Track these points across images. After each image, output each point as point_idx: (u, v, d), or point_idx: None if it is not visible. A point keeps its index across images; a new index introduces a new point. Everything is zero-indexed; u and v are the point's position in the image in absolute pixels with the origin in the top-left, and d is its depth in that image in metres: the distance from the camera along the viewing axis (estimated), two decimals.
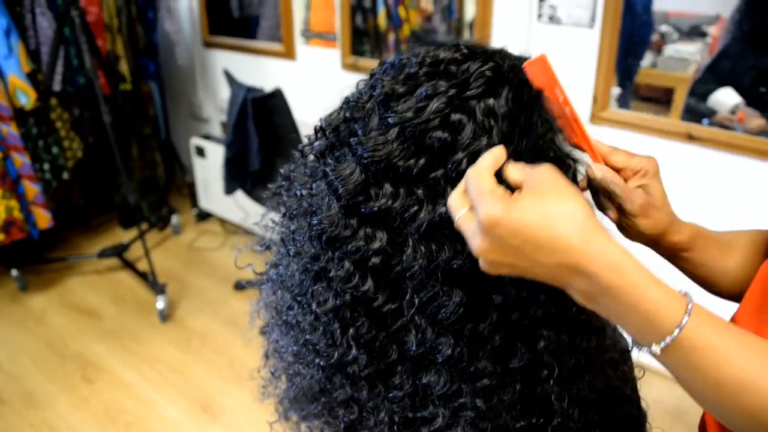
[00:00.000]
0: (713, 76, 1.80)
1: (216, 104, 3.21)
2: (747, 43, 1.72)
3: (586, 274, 0.43)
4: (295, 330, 0.62)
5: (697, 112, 1.83)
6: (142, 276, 2.68)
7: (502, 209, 0.44)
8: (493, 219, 0.44)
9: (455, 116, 0.51)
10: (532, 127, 0.53)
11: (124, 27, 2.76)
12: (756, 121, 1.73)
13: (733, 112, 1.76)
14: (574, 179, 0.57)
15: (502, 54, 0.56)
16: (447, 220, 0.51)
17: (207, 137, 3.14)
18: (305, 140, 0.63)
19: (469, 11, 2.23)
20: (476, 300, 0.52)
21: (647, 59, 1.92)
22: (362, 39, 2.54)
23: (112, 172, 2.93)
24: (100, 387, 2.13)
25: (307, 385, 0.63)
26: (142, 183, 3.13)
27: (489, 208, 0.45)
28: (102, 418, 1.99)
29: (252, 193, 2.51)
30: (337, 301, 0.55)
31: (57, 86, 2.53)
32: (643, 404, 0.66)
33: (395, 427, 0.57)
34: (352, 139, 0.55)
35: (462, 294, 0.52)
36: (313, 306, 0.58)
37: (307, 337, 0.60)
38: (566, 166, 0.55)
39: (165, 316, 2.47)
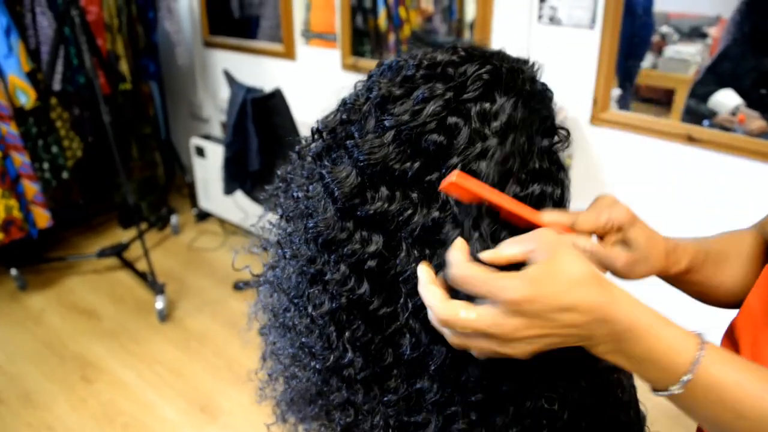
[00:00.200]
0: (714, 77, 1.80)
1: (216, 104, 3.21)
2: (748, 45, 1.72)
3: (612, 322, 0.44)
4: (292, 332, 0.62)
5: (697, 113, 1.83)
6: (142, 276, 2.67)
7: (526, 285, 0.43)
8: (521, 296, 0.43)
9: (451, 119, 0.51)
10: (533, 135, 0.53)
11: (124, 27, 2.76)
12: (756, 122, 1.73)
13: (733, 113, 1.76)
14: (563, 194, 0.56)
15: (500, 56, 0.55)
16: (441, 224, 0.51)
17: (207, 137, 3.13)
18: (303, 142, 0.63)
19: (470, 12, 2.23)
20: None
21: (648, 60, 1.92)
22: (363, 39, 2.54)
23: (111, 172, 2.93)
24: (99, 387, 2.12)
25: (303, 388, 0.63)
26: (141, 183, 3.13)
27: (511, 289, 0.43)
28: (100, 419, 1.99)
29: (251, 193, 2.51)
30: (333, 304, 0.55)
31: (57, 86, 2.53)
32: (642, 408, 0.66)
33: (390, 431, 0.57)
34: (348, 142, 0.54)
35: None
36: (309, 309, 0.57)
37: (303, 339, 0.59)
38: (559, 181, 0.55)
39: (164, 317, 2.46)
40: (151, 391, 2.10)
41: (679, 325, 0.46)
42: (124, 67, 2.80)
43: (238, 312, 2.50)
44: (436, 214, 0.51)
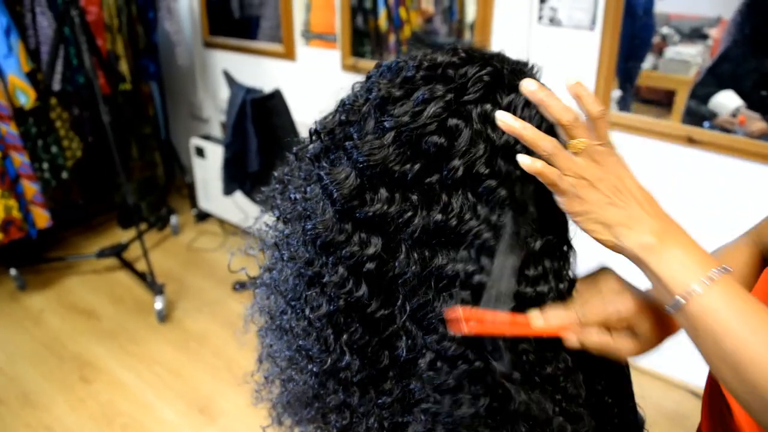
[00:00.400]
0: (714, 78, 1.80)
1: (216, 105, 3.20)
2: (748, 46, 1.72)
3: (662, 215, 0.52)
4: (289, 335, 0.62)
5: (698, 114, 1.82)
6: (141, 276, 2.67)
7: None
8: (618, 154, 0.53)
9: (452, 121, 0.51)
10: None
11: (124, 27, 2.76)
12: (757, 124, 1.72)
13: (734, 115, 1.75)
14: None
15: (500, 58, 0.55)
16: (442, 226, 0.51)
17: (207, 137, 3.13)
18: (301, 143, 0.63)
19: (470, 13, 2.23)
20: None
21: (648, 61, 1.91)
22: (363, 40, 2.54)
23: (111, 172, 2.93)
24: (98, 388, 2.12)
25: (300, 390, 0.63)
26: (141, 183, 3.13)
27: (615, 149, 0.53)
28: (99, 420, 1.99)
29: (251, 194, 2.51)
30: (331, 307, 0.55)
31: (56, 86, 2.53)
32: (641, 410, 0.65)
33: None
34: (347, 143, 0.54)
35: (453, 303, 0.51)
36: (307, 311, 0.57)
37: (300, 342, 0.59)
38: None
39: (163, 317, 2.46)
40: (150, 392, 2.10)
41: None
42: (124, 67, 2.80)
43: (238, 313, 2.50)
44: (438, 216, 0.51)
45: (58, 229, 2.87)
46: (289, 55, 2.76)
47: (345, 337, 0.55)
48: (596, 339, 0.54)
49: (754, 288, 0.61)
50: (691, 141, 1.81)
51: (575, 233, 0.56)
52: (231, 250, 0.71)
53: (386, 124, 0.52)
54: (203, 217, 3.29)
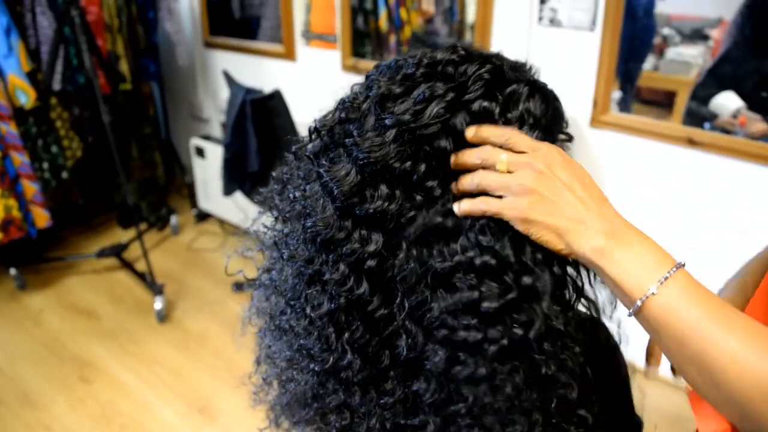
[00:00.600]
0: (715, 79, 1.79)
1: (216, 105, 3.20)
2: (749, 47, 1.71)
3: (611, 215, 0.50)
4: (289, 335, 0.61)
5: (698, 115, 1.82)
6: (141, 276, 2.67)
7: (559, 148, 0.52)
8: (554, 148, 0.52)
9: (455, 120, 0.51)
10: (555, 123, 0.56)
11: (124, 27, 2.76)
12: (758, 125, 1.72)
13: (734, 116, 1.75)
14: None
15: (498, 57, 0.55)
16: (442, 224, 0.51)
17: (207, 138, 3.13)
18: (301, 142, 0.62)
19: (471, 13, 2.23)
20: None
21: (649, 62, 1.91)
22: (363, 41, 2.54)
23: (111, 172, 2.93)
24: (97, 388, 2.12)
25: (300, 391, 0.62)
26: (141, 183, 3.13)
27: (550, 145, 0.52)
28: (98, 420, 1.98)
29: (251, 194, 2.50)
30: (332, 305, 0.55)
31: (57, 85, 2.53)
32: (640, 413, 0.65)
33: None
34: (347, 140, 0.54)
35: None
36: (308, 310, 0.57)
37: (302, 341, 0.59)
38: None
39: (163, 317, 2.46)
40: (150, 392, 2.10)
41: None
42: (124, 67, 2.80)
43: (238, 313, 2.49)
44: (438, 218, 0.51)
45: (58, 229, 2.87)
46: (289, 55, 2.76)
47: (346, 335, 0.55)
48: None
49: (757, 291, 0.61)
50: (691, 142, 1.80)
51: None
52: (227, 253, 0.71)
53: (387, 122, 0.52)
54: (203, 217, 3.29)
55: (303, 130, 0.61)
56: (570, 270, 0.54)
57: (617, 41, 1.85)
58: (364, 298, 0.53)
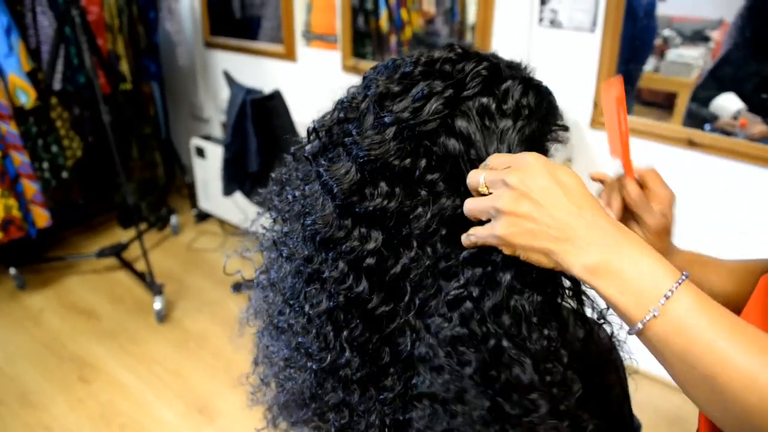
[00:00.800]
0: (716, 81, 1.79)
1: (216, 105, 3.20)
2: (749, 49, 1.71)
3: (603, 223, 0.46)
4: (287, 334, 0.61)
5: (699, 117, 1.82)
6: (141, 276, 2.67)
7: (542, 156, 0.49)
8: (534, 157, 0.48)
9: (459, 123, 0.52)
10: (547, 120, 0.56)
11: (125, 27, 2.76)
12: (758, 127, 1.72)
13: (735, 117, 1.75)
14: None
15: (494, 56, 0.56)
16: (448, 218, 0.52)
17: (207, 138, 3.13)
18: (299, 143, 0.62)
19: (472, 14, 2.23)
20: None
21: (650, 64, 1.91)
22: (364, 41, 2.54)
23: (111, 172, 2.93)
24: (96, 388, 2.12)
25: (298, 391, 0.62)
26: (141, 183, 3.13)
27: (529, 153, 0.49)
28: (97, 420, 1.98)
29: (251, 194, 2.50)
30: (331, 303, 0.55)
31: (57, 85, 2.53)
32: (638, 414, 0.65)
33: (386, 430, 0.56)
34: (346, 139, 0.54)
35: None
36: (306, 308, 0.57)
37: (300, 339, 0.59)
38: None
39: (162, 317, 2.46)
40: (149, 392, 2.10)
41: (660, 255, 0.46)
42: (124, 67, 2.80)
43: (237, 313, 2.49)
44: (446, 212, 0.52)
45: (58, 229, 2.87)
46: (289, 55, 2.76)
47: (345, 333, 0.55)
48: (634, 192, 0.69)
49: (753, 295, 0.60)
50: (691, 144, 1.80)
51: None
52: (227, 252, 0.71)
53: (386, 120, 0.52)
54: (203, 217, 3.29)
55: (303, 131, 0.61)
56: (566, 282, 0.53)
57: (618, 42, 1.85)
58: (364, 296, 0.53)
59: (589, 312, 0.55)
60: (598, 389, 0.58)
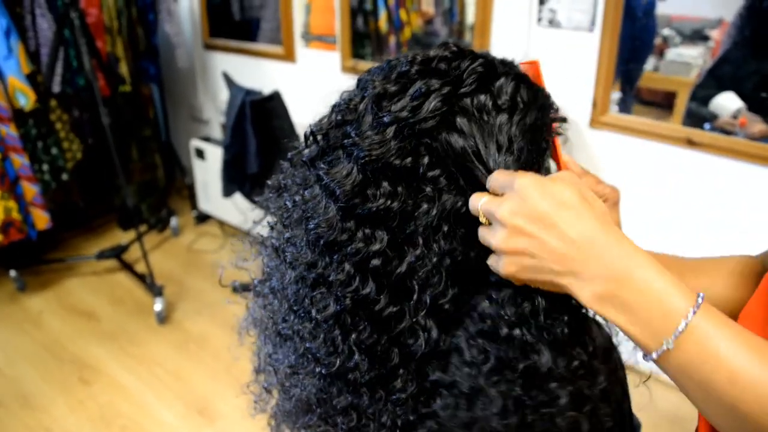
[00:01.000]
0: (715, 80, 1.79)
1: (216, 106, 3.21)
2: (749, 48, 1.71)
3: (606, 252, 0.43)
4: (292, 341, 0.61)
5: (698, 116, 1.82)
6: (141, 278, 2.67)
7: (536, 176, 0.47)
8: (527, 180, 0.46)
9: (459, 120, 0.52)
10: (542, 118, 0.56)
11: (124, 29, 2.76)
12: (758, 126, 1.72)
13: (734, 116, 1.75)
14: None
15: (488, 54, 0.56)
16: (453, 214, 0.52)
17: (207, 139, 3.13)
18: (297, 148, 0.62)
19: (471, 14, 2.23)
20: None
21: (649, 63, 1.91)
22: (363, 42, 2.54)
23: (111, 174, 2.93)
24: (97, 389, 2.12)
25: (304, 397, 0.62)
26: (141, 185, 3.13)
27: (523, 176, 0.47)
28: (98, 421, 1.98)
29: (250, 195, 2.50)
30: (338, 306, 0.54)
31: (56, 87, 2.53)
32: (638, 414, 0.65)
33: (397, 431, 0.56)
34: (346, 141, 0.54)
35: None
36: (313, 312, 0.57)
37: (307, 345, 0.58)
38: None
39: (163, 319, 2.46)
40: (150, 394, 2.10)
41: (676, 278, 0.43)
42: (123, 69, 2.80)
43: (237, 315, 2.49)
44: (451, 207, 0.52)
45: (58, 231, 2.87)
46: (289, 57, 2.76)
47: (353, 336, 0.54)
48: (608, 190, 0.66)
49: (757, 291, 0.60)
50: (691, 143, 1.80)
51: None
52: (222, 263, 0.71)
53: (385, 119, 0.52)
54: (203, 218, 3.29)
55: (302, 132, 0.61)
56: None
57: (616, 42, 1.85)
58: (371, 298, 0.53)
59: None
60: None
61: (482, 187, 0.52)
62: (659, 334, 0.42)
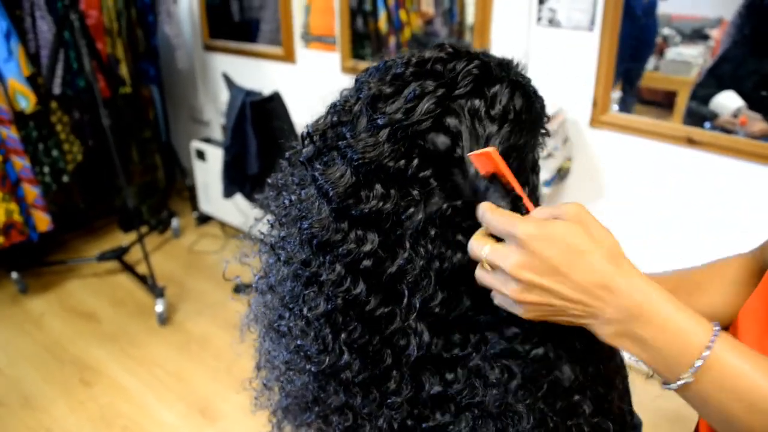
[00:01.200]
0: (715, 79, 1.79)
1: (216, 107, 3.21)
2: (749, 47, 1.71)
3: (622, 297, 0.44)
4: (287, 337, 0.61)
5: (699, 115, 1.82)
6: (142, 279, 2.67)
7: (541, 223, 0.45)
8: (530, 230, 0.45)
9: (449, 120, 0.52)
10: (535, 121, 0.55)
11: (124, 30, 2.77)
12: (758, 124, 1.71)
13: (735, 115, 1.75)
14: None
15: (485, 54, 0.56)
16: (443, 217, 0.52)
17: (207, 140, 3.14)
18: (294, 148, 0.63)
19: (471, 14, 2.23)
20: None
21: (649, 62, 1.91)
22: (363, 42, 2.54)
23: (112, 176, 2.93)
24: (98, 390, 2.12)
25: (300, 394, 0.62)
26: (142, 186, 3.13)
27: (526, 224, 0.45)
28: (98, 422, 1.98)
29: (251, 196, 2.51)
30: (329, 306, 0.55)
31: (57, 89, 2.54)
32: (639, 413, 0.65)
33: None
34: (340, 143, 0.54)
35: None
36: (305, 310, 0.57)
37: (298, 342, 0.59)
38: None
39: (164, 320, 2.46)
40: (151, 395, 2.10)
41: (691, 310, 0.45)
42: (124, 70, 2.80)
43: (239, 315, 2.49)
44: (438, 209, 0.52)
45: (59, 233, 2.87)
46: (288, 57, 2.76)
47: (344, 336, 0.55)
48: None
49: (758, 288, 0.60)
50: (691, 142, 1.80)
51: None
52: (226, 259, 0.71)
53: (379, 122, 0.52)
54: (204, 219, 3.29)
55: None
56: None
57: (616, 41, 1.85)
58: (362, 298, 0.53)
59: None
60: (599, 388, 0.58)
61: (462, 194, 0.52)
62: (677, 368, 0.44)
